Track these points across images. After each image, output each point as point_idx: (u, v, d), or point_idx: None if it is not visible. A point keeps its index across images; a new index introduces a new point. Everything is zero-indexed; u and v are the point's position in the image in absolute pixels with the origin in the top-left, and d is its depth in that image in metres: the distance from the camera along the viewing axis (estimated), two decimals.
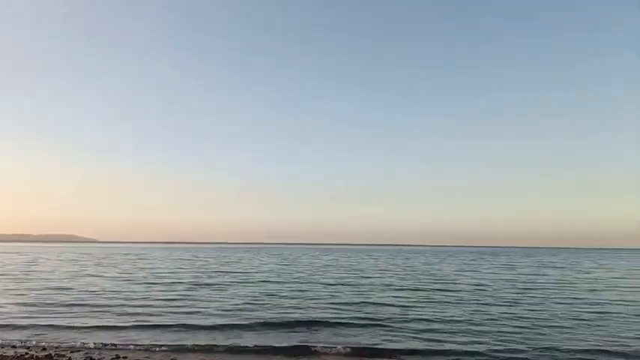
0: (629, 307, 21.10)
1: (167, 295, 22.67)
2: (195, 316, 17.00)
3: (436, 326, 15.49)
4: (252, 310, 18.26)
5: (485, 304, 21.13)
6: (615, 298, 24.24)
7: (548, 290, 27.99)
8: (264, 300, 21.32)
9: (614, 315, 18.65)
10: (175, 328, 14.63)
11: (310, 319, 16.44)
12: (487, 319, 16.98)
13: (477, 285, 30.58)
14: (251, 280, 31.48)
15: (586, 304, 21.88)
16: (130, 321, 15.74)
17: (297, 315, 17.26)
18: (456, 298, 22.99)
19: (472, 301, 21.99)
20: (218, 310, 18.36)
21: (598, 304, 21.95)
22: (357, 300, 21.63)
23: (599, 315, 18.54)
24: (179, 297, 22.12)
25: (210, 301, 20.68)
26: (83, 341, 12.70)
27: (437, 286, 28.96)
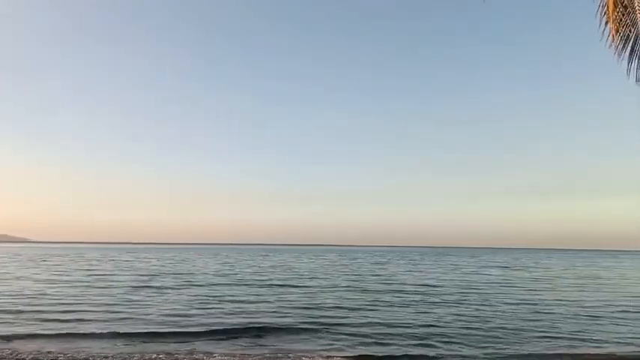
0: (565, 306, 21.51)
1: (101, 300, 21.08)
2: (128, 322, 15.68)
3: (385, 330, 14.95)
4: (192, 316, 17.04)
5: (432, 304, 21.14)
6: (551, 297, 24.78)
7: (491, 290, 28.42)
8: (206, 304, 20.09)
9: (550, 314, 18.89)
10: (106, 338, 13.31)
11: (256, 324, 15.52)
12: (434, 321, 16.70)
13: (424, 285, 30.64)
14: (194, 283, 30.04)
15: (526, 303, 22.15)
16: (55, 329, 14.29)
17: (240, 320, 16.29)
18: (403, 300, 22.68)
19: (419, 302, 21.81)
20: (157, 315, 17.08)
21: (537, 303, 22.29)
22: (305, 303, 20.86)
23: (542, 315, 18.71)
24: (115, 302, 20.57)
25: (148, 306, 19.30)
26: None
27: (384, 287, 28.70)
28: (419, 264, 65.62)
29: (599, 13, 6.44)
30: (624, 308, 21.28)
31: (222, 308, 19.03)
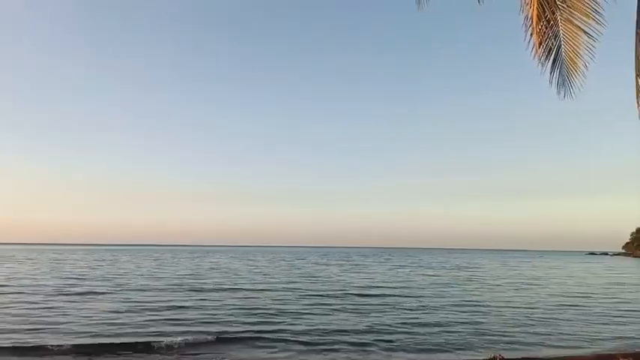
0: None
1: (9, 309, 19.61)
2: (41, 335, 14.54)
3: (330, 338, 14.61)
4: (110, 325, 16.04)
5: (372, 306, 21.24)
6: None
7: (431, 291, 29.09)
8: (128, 314, 18.79)
9: (490, 315, 19.55)
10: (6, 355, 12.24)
11: (190, 333, 14.89)
12: (376, 325, 16.77)
13: (364, 287, 30.89)
14: (123, 287, 28.61)
15: (467, 305, 22.79)
16: None
17: (175, 329, 15.59)
18: (344, 304, 22.63)
19: (360, 306, 21.89)
20: (78, 325, 16.00)
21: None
22: (245, 308, 20.35)
23: (480, 316, 19.29)
24: (27, 310, 19.18)
25: (67, 314, 18.09)
26: None
27: (324, 289, 28.64)
28: (359, 265, 66.43)
29: (524, 25, 6.49)
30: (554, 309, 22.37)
31: (155, 315, 18.14)
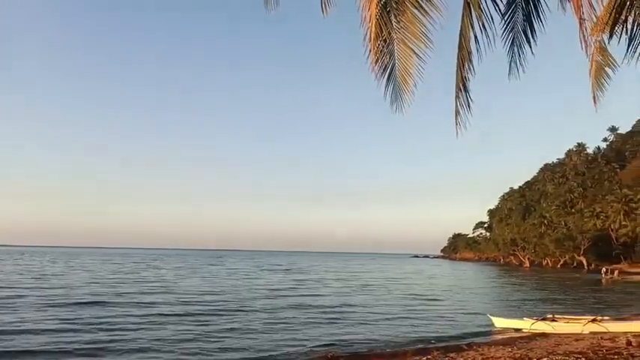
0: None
1: None
2: None
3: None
4: None
5: (206, 315, 20.75)
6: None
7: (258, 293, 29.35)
8: None
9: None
10: None
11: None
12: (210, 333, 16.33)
13: (199, 293, 30.04)
14: None
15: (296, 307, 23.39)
16: None
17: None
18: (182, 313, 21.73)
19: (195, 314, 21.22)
20: None
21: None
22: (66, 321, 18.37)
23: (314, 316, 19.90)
24: None
25: None
26: None
27: (160, 297, 27.20)
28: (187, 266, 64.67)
29: (364, 40, 6.77)
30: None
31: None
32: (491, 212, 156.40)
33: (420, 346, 14.18)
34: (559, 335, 15.03)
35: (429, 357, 11.37)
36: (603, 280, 51.51)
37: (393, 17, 6.73)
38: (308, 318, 19.94)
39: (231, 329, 17.00)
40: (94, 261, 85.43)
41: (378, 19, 6.27)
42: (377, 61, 6.71)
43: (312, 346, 14.09)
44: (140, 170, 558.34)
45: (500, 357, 10.49)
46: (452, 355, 11.79)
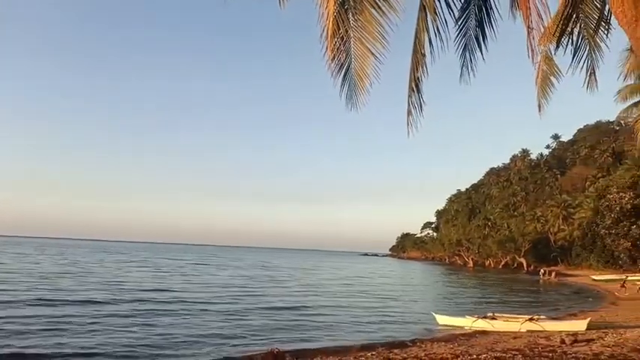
0: None
1: None
2: None
3: None
4: None
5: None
6: None
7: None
8: None
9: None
10: None
11: None
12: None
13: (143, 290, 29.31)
14: None
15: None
16: None
17: None
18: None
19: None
20: None
21: None
22: None
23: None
24: None
25: None
26: None
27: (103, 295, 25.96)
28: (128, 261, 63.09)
29: (321, 37, 6.76)
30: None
31: None
32: (438, 213, 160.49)
33: (365, 342, 14.37)
34: (498, 333, 15.59)
35: (373, 353, 11.55)
36: (541, 281, 53.80)
37: (350, 15, 6.77)
38: (255, 317, 19.80)
39: (173, 325, 16.72)
40: None
41: (335, 17, 6.28)
42: (333, 58, 6.72)
43: (258, 344, 14.02)
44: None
45: (442, 353, 10.78)
46: (396, 351, 12.02)
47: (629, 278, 45.04)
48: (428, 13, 7.09)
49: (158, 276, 39.55)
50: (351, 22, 6.80)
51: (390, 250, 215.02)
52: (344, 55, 6.99)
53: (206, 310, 20.51)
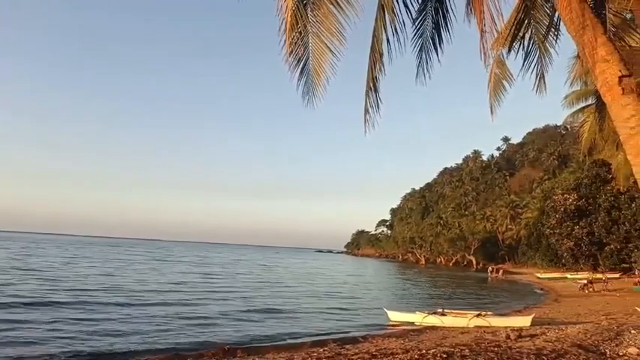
0: None
1: None
2: None
3: None
4: None
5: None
6: None
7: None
8: None
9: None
10: None
11: None
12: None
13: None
14: None
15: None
16: None
17: None
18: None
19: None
20: None
21: None
22: None
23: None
24: None
25: None
26: None
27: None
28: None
29: (279, 30, 6.69)
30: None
31: None
32: (393, 211, 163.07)
33: (317, 338, 14.42)
34: (447, 328, 15.98)
35: (325, 349, 11.58)
36: (489, 279, 55.51)
37: (309, 10, 6.74)
38: (206, 313, 19.53)
39: (123, 321, 16.28)
40: None
41: (293, 11, 6.24)
42: (291, 52, 6.68)
43: (210, 339, 13.84)
44: None
45: (393, 348, 10.92)
46: (348, 346, 12.10)
47: (569, 277, 47.22)
48: (386, 13, 7.13)
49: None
50: (310, 17, 6.77)
51: (345, 247, 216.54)
52: (302, 49, 6.96)
53: (155, 306, 20.09)
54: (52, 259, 49.26)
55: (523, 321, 16.13)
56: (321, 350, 11.32)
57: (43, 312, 16.87)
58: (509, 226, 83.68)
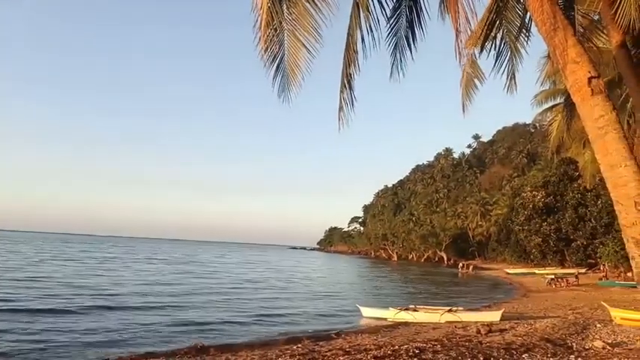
0: None
1: None
2: None
3: None
4: None
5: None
6: None
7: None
8: None
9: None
10: None
11: None
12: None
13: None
14: None
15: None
16: None
17: None
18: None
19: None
20: None
21: None
22: None
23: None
24: None
25: None
26: None
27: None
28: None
29: (255, 28, 6.64)
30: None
31: None
32: (366, 208, 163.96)
33: (291, 335, 14.42)
34: (419, 324, 16.16)
35: (299, 346, 11.60)
36: (460, 274, 56.33)
37: (285, 7, 6.71)
38: (179, 312, 19.32)
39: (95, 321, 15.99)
40: None
41: (269, 7, 6.20)
42: (267, 49, 6.64)
43: (182, 338, 13.69)
44: None
45: (366, 344, 11.01)
46: (322, 343, 12.15)
47: (537, 272, 48.23)
48: (361, 11, 7.16)
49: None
50: (285, 14, 6.74)
51: (318, 243, 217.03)
52: (277, 46, 6.93)
53: (127, 305, 19.77)
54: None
55: (493, 316, 16.43)
56: (295, 347, 11.33)
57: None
58: (480, 223, 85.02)
